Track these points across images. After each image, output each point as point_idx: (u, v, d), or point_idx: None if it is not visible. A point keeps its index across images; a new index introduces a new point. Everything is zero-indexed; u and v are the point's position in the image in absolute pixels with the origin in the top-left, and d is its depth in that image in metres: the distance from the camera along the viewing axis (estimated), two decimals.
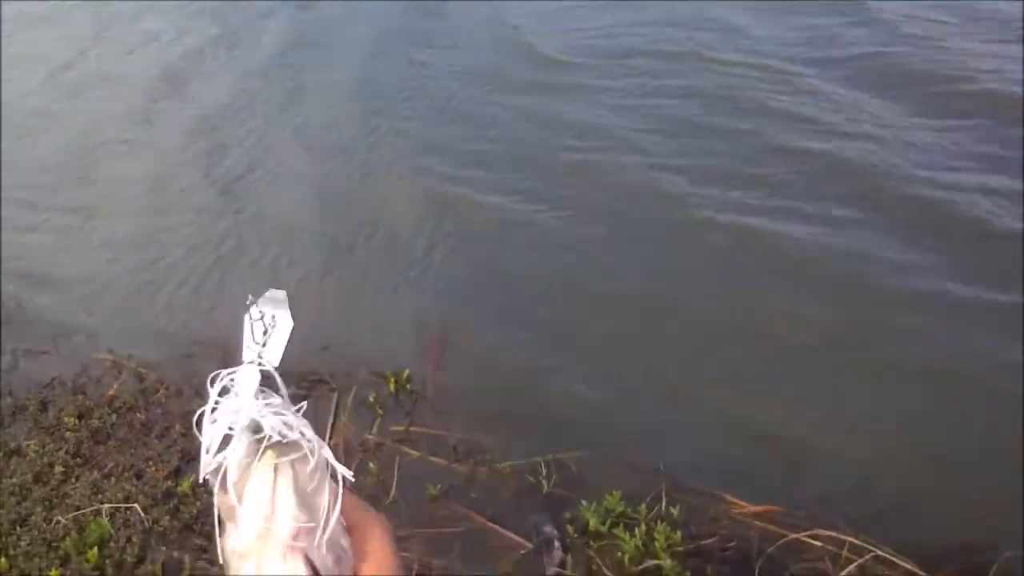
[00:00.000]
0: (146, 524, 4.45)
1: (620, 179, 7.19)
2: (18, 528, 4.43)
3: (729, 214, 6.61)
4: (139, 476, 4.79)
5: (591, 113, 8.10)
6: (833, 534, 4.36)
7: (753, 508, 4.60)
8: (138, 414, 5.31)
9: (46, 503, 4.58)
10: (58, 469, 4.81)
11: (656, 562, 4.23)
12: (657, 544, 4.29)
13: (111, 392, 5.51)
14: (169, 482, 4.73)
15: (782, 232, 6.40)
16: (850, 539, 4.29)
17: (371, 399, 5.34)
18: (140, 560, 4.27)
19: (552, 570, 4.30)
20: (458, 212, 7.11)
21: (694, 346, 5.67)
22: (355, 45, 10.08)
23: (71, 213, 7.63)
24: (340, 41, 10.26)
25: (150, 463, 4.88)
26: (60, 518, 4.46)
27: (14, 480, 4.72)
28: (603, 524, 4.41)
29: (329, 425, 5.18)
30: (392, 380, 5.43)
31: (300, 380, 5.54)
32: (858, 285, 5.88)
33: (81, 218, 7.56)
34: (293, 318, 1.10)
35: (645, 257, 6.43)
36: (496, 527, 4.52)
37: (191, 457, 4.96)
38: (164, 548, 4.32)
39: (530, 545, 4.41)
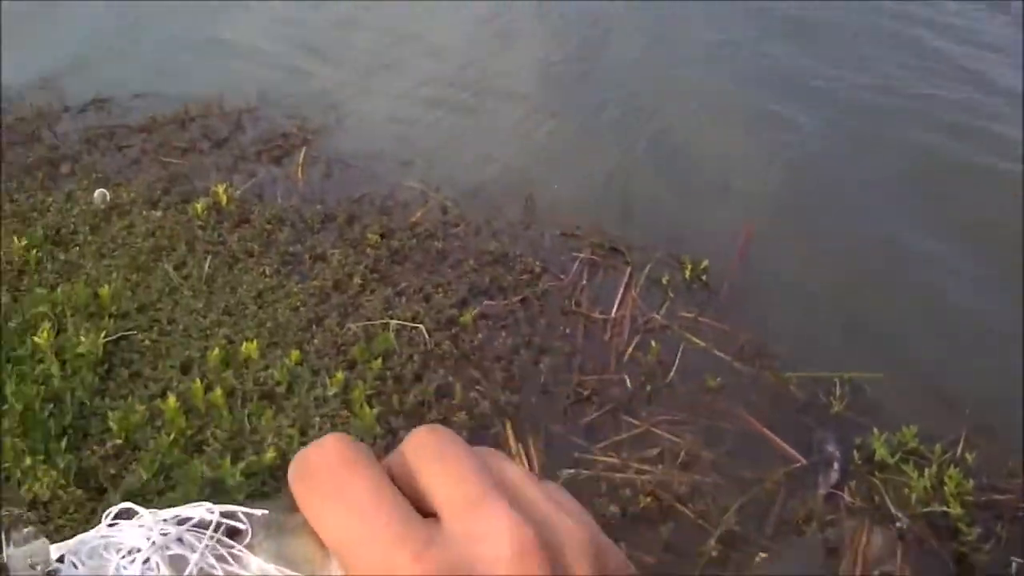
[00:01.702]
0: (428, 346, 4.75)
1: None
2: (313, 327, 4.86)
3: None
4: (427, 299, 5.10)
5: None
6: None
7: None
8: (436, 243, 5.61)
9: (341, 309, 4.98)
10: (356, 281, 5.20)
11: (944, 508, 4.07)
12: (947, 489, 4.13)
13: (414, 218, 5.84)
14: (454, 310, 5.01)
15: None
16: None
17: (664, 280, 5.39)
18: (418, 378, 4.58)
19: (826, 489, 4.23)
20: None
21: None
22: None
23: (399, 44, 8.00)
24: None
25: (439, 289, 5.18)
26: (352, 326, 4.84)
27: (315, 283, 5.16)
28: (892, 456, 4.28)
29: (618, 298, 5.28)
30: (689, 266, 5.43)
31: (596, 246, 5.65)
32: None
33: (407, 52, 7.92)
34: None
35: None
36: (772, 435, 4.48)
37: (478, 291, 5.22)
38: (441, 371, 4.60)
39: (804, 461, 4.35)
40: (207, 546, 0.49)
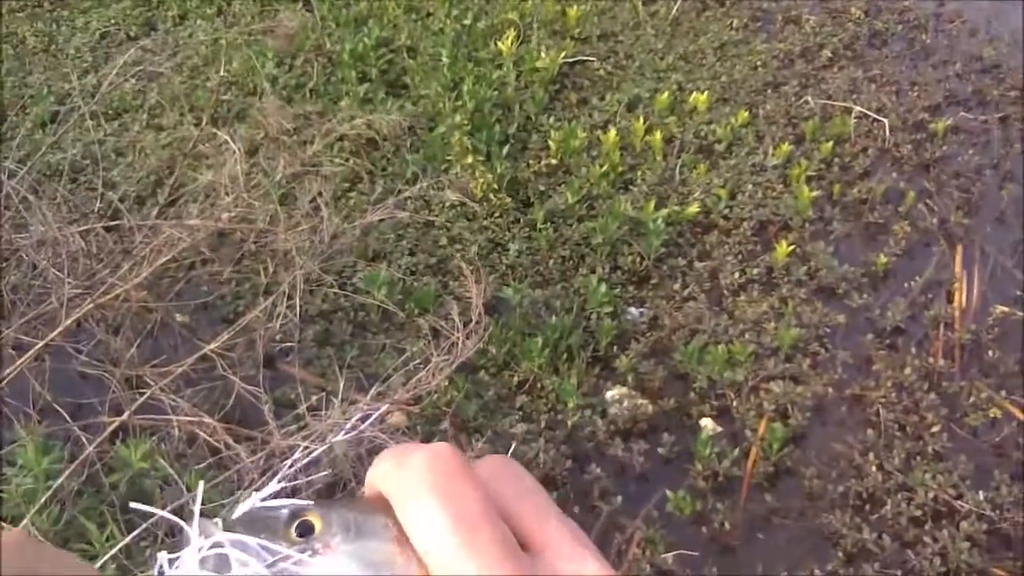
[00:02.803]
0: (886, 143, 4.41)
1: None
2: (768, 92, 4.65)
3: None
4: (898, 94, 4.70)
5: None
6: None
7: None
8: (923, 35, 5.12)
9: (802, 80, 4.73)
10: (825, 53, 4.90)
11: None
12: None
13: (906, 2, 5.33)
14: (925, 114, 4.58)
15: None
16: None
17: None
18: (865, 174, 4.28)
19: None
20: None
21: None
22: None
23: None
24: None
25: (914, 87, 4.74)
26: (810, 100, 4.58)
27: (781, 46, 4.91)
28: None
29: None
30: None
31: None
32: None
33: None
34: None
35: None
36: None
37: (956, 100, 4.73)
38: (894, 174, 4.26)
39: None
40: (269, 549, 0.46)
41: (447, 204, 4.01)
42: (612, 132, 4.21)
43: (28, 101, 4.64)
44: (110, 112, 4.54)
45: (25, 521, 2.23)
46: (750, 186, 4.14)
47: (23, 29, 5.27)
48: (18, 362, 2.50)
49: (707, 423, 3.30)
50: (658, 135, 4.25)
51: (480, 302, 3.22)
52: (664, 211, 3.91)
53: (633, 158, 4.29)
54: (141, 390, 2.78)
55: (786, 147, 4.23)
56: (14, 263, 3.18)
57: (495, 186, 4.06)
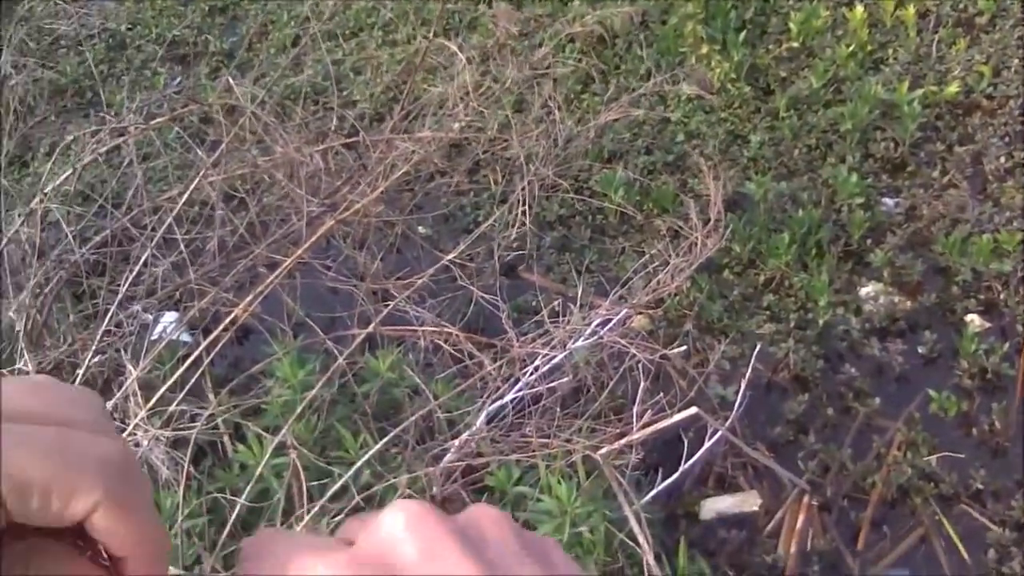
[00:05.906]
0: None
1: None
2: None
3: None
4: None
5: None
6: None
7: None
8: None
9: None
10: None
11: None
12: None
13: None
14: None
15: None
16: None
17: None
18: None
19: None
20: None
21: None
22: None
23: None
24: None
25: None
26: None
27: None
28: None
29: None
30: None
31: None
32: None
33: None
34: None
35: None
36: None
37: None
38: None
39: None
40: None
41: (683, 98, 3.88)
42: (859, 8, 3.94)
43: (270, 27, 4.82)
44: (347, 32, 4.64)
45: (285, 429, 2.35)
46: (1016, 61, 3.77)
47: None
48: (270, 279, 2.61)
49: (973, 318, 3.08)
50: (911, 9, 3.94)
51: (719, 199, 3.11)
52: (919, 92, 3.63)
53: (883, 35, 4.01)
54: (387, 302, 2.85)
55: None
56: (263, 186, 3.32)
57: (733, 75, 3.90)
